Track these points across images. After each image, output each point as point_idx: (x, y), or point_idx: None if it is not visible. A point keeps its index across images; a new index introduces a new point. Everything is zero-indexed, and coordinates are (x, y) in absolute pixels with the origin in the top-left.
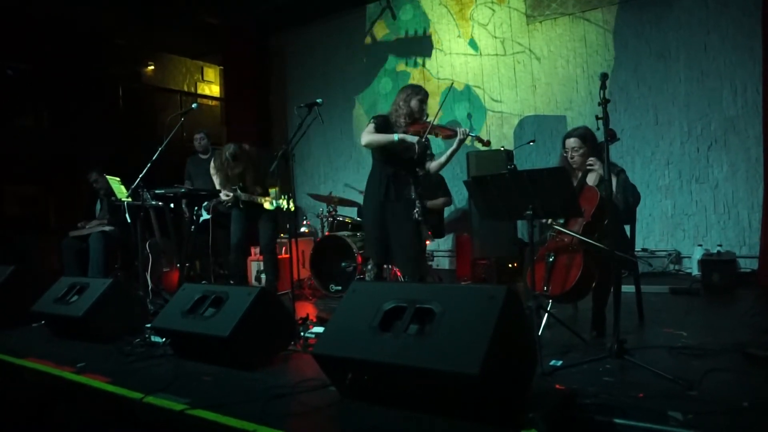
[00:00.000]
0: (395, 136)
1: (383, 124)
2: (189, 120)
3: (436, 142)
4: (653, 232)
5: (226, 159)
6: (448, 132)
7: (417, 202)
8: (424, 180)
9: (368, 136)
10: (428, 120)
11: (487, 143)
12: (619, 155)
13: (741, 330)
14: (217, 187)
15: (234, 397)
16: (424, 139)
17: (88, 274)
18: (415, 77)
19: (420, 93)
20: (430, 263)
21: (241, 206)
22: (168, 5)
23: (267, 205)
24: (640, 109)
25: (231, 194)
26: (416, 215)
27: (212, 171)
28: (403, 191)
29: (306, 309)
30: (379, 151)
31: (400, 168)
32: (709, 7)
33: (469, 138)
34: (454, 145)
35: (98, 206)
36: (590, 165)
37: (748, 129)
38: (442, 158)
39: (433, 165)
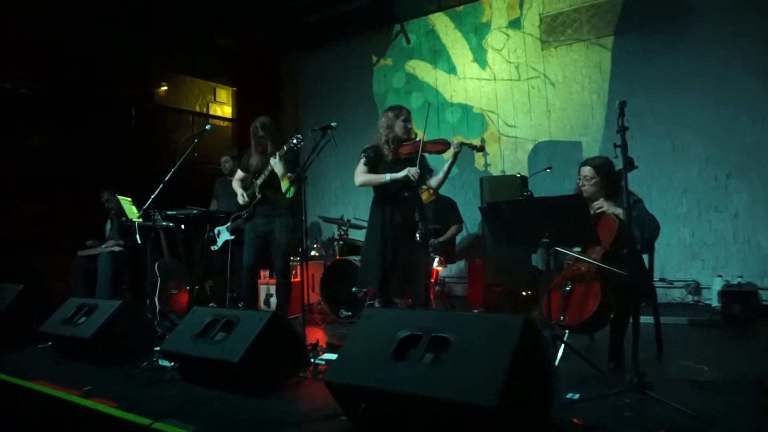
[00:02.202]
0: (387, 177)
1: (374, 157)
2: (201, 141)
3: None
4: (671, 261)
5: (256, 127)
6: (440, 147)
7: (420, 224)
8: (435, 205)
9: (361, 176)
10: (417, 139)
11: (481, 148)
12: (635, 183)
13: (764, 364)
14: (238, 189)
15: (243, 424)
16: (418, 160)
17: (96, 294)
18: (429, 101)
19: (402, 113)
20: (440, 289)
21: (257, 213)
22: (182, 27)
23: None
24: (655, 136)
25: (248, 201)
26: (419, 238)
27: (235, 180)
28: (408, 214)
29: (316, 334)
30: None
31: (402, 190)
32: (723, 34)
33: (464, 147)
34: (451, 159)
35: (108, 226)
36: (599, 207)
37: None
38: (441, 175)
39: (433, 182)
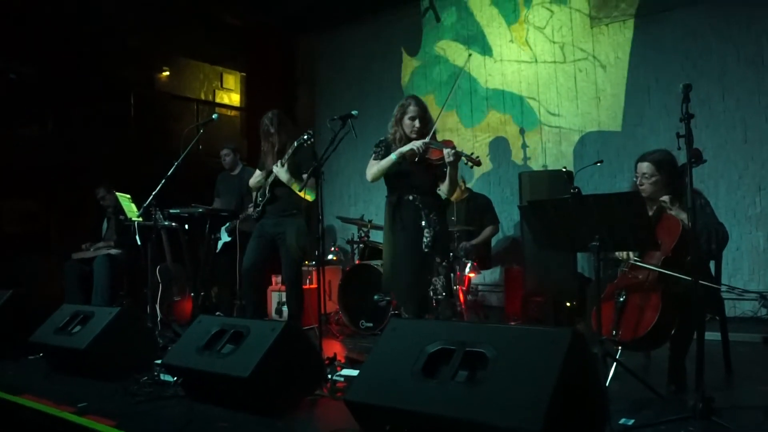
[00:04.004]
0: (393, 156)
1: (384, 153)
2: (206, 132)
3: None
4: (741, 269)
5: (265, 125)
6: (439, 153)
7: (426, 230)
8: (468, 204)
9: (370, 169)
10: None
11: (477, 162)
12: (699, 179)
13: None
14: (256, 181)
15: None
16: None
17: (92, 301)
18: (462, 87)
19: (407, 109)
20: (473, 298)
21: (267, 212)
22: (185, 4)
23: (306, 196)
24: (725, 124)
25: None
26: (424, 246)
27: (252, 179)
28: (411, 219)
29: (333, 348)
30: (385, 177)
31: (405, 193)
32: None
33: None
34: (448, 169)
35: (105, 226)
36: (664, 202)
37: None
38: (446, 182)
39: (443, 189)
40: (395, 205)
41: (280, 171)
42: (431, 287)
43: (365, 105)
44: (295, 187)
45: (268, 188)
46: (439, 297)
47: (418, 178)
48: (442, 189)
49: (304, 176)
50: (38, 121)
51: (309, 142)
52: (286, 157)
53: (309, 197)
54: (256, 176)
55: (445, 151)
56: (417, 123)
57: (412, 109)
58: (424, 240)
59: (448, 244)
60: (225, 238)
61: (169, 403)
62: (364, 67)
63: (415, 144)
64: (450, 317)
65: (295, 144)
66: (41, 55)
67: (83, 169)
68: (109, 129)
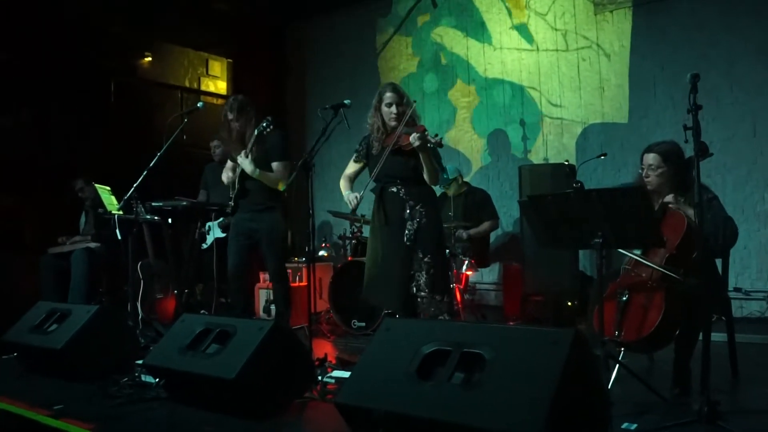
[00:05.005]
0: (345, 193)
1: (365, 150)
2: (191, 121)
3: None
4: (749, 268)
5: (224, 110)
6: (408, 139)
7: (409, 223)
8: (467, 198)
9: (342, 179)
10: (400, 126)
11: (438, 144)
12: (706, 173)
13: None
14: (226, 179)
15: None
16: (392, 147)
17: (69, 298)
18: (459, 74)
19: (383, 96)
20: (471, 297)
21: (240, 206)
22: None
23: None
24: (733, 117)
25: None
26: (406, 239)
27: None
28: (394, 211)
29: (324, 348)
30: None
31: (389, 183)
32: None
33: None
34: (421, 155)
35: (83, 219)
36: (668, 202)
37: None
38: (425, 172)
39: (426, 178)
40: (379, 197)
41: (244, 162)
42: (413, 283)
43: (358, 94)
44: (261, 177)
45: (237, 180)
46: (422, 293)
47: (398, 167)
48: (425, 177)
49: (274, 165)
50: (12, 110)
51: (268, 130)
52: (249, 147)
53: (280, 186)
54: (226, 170)
55: (411, 136)
56: (394, 109)
57: (388, 96)
58: (406, 233)
59: (436, 237)
60: (218, 233)
61: (150, 405)
62: (357, 55)
63: (349, 197)
64: (435, 316)
65: (255, 133)
66: (14, 40)
67: (60, 160)
68: (88, 118)
